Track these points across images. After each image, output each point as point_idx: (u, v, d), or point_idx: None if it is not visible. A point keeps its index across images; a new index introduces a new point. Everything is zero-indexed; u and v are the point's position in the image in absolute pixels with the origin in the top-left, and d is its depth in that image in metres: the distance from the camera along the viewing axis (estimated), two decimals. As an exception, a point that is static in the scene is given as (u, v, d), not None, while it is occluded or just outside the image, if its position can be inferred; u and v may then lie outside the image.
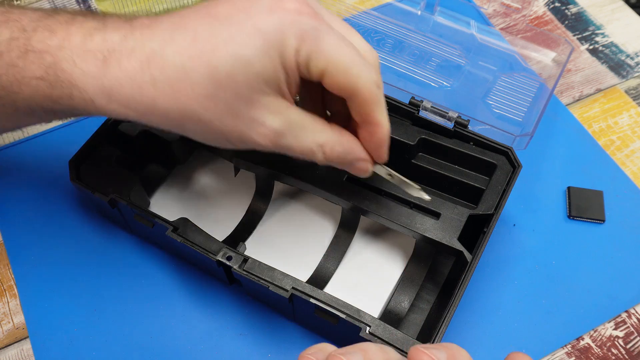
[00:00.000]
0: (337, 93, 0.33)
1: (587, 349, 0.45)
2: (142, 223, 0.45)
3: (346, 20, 0.64)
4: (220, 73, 0.31)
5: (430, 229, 0.44)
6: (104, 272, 0.48)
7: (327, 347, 0.25)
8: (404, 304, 0.45)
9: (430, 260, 0.47)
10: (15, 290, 0.48)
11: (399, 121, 0.49)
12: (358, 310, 0.40)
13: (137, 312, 0.46)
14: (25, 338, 0.46)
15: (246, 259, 0.42)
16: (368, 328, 0.39)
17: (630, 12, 0.66)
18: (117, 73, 0.33)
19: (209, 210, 0.51)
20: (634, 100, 0.59)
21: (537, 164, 0.55)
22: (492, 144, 0.47)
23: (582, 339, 0.46)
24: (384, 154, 0.37)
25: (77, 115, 0.37)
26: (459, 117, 0.48)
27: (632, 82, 0.61)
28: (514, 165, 0.46)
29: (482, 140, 0.47)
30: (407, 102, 0.49)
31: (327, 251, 0.49)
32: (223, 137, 0.34)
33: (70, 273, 0.48)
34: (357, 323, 0.39)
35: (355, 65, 0.32)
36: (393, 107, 0.49)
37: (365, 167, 0.37)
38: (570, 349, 0.46)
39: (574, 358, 0.45)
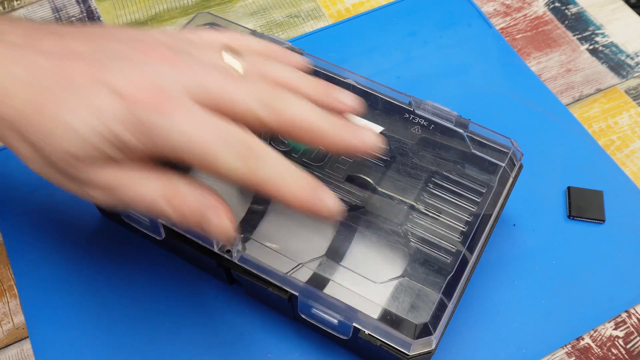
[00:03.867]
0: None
1: (587, 349, 0.45)
2: (141, 223, 0.45)
3: (346, 20, 0.63)
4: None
5: (430, 229, 0.44)
6: (104, 272, 0.48)
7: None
8: (404, 304, 0.45)
9: (430, 261, 0.47)
10: (15, 290, 0.48)
11: (399, 121, 0.49)
12: (358, 311, 0.40)
13: (137, 312, 0.46)
14: (25, 338, 0.46)
15: (246, 259, 0.42)
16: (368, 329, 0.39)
17: (630, 12, 0.66)
18: None
19: (209, 210, 0.51)
20: (634, 100, 0.59)
21: (537, 164, 0.54)
22: (492, 144, 0.47)
23: (582, 339, 0.46)
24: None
25: None
26: (459, 117, 0.48)
27: (632, 82, 0.61)
28: (514, 165, 0.46)
29: (482, 140, 0.47)
30: (407, 102, 0.49)
31: (327, 251, 0.49)
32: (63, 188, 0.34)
33: (71, 273, 0.48)
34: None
35: (208, 152, 0.31)
36: (393, 107, 0.50)
37: (225, 226, 0.33)
38: (570, 349, 0.45)
39: (574, 358, 0.45)
